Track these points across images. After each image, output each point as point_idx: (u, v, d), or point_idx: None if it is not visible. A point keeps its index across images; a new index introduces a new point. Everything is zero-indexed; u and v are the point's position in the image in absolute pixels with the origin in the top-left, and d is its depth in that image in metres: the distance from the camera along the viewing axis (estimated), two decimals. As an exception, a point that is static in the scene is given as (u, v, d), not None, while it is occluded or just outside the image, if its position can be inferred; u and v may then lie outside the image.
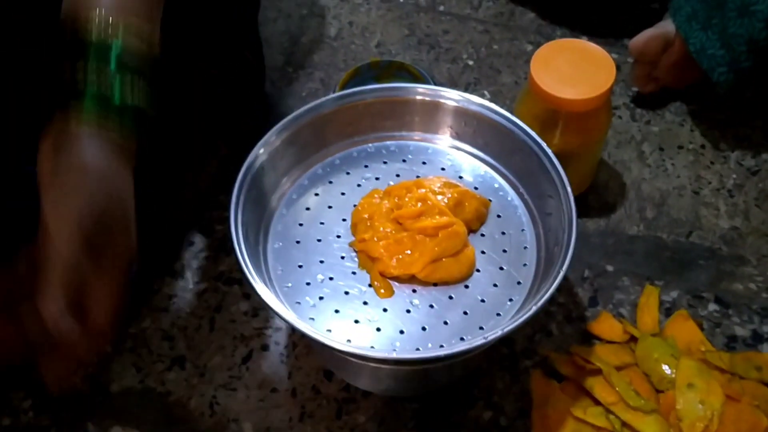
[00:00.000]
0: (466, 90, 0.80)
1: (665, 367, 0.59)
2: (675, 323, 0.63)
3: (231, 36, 0.68)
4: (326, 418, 0.60)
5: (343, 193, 0.59)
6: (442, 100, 0.61)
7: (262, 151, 0.57)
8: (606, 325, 0.63)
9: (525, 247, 0.56)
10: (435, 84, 0.73)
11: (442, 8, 0.88)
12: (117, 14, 0.46)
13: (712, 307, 0.65)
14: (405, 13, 0.87)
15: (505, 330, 0.47)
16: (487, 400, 0.60)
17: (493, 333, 0.48)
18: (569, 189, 0.54)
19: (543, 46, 0.64)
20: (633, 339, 0.62)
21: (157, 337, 0.64)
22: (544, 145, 0.57)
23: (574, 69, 0.63)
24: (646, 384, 0.59)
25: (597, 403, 0.57)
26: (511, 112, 0.60)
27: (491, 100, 0.78)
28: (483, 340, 0.47)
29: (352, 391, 0.61)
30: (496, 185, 0.60)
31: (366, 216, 0.56)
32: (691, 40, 0.70)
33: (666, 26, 0.74)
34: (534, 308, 0.48)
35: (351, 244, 0.56)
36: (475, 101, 0.60)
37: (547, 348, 0.63)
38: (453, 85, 0.81)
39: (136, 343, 0.64)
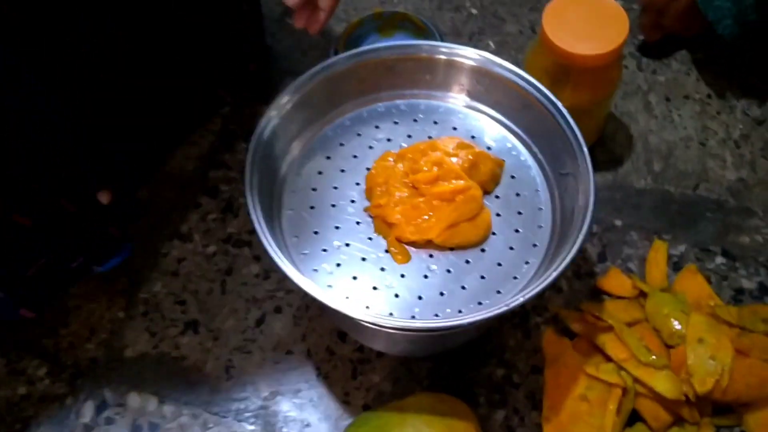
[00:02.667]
0: (470, 40, 0.79)
1: (675, 323, 0.59)
2: (684, 278, 0.63)
3: None
4: (342, 378, 0.60)
5: (355, 156, 0.58)
6: (454, 58, 0.59)
7: (274, 113, 0.55)
8: (615, 281, 0.64)
9: (540, 209, 0.56)
10: (440, 35, 0.71)
11: (443, -47, 0.85)
12: None
13: (720, 260, 0.66)
14: (405, -41, 0.85)
15: (526, 297, 0.48)
16: (499, 358, 0.61)
17: (514, 300, 0.48)
18: (585, 150, 0.54)
19: (552, 0, 0.63)
20: (642, 294, 0.63)
21: (168, 302, 0.64)
22: (558, 103, 0.56)
23: (586, 23, 0.61)
24: (656, 339, 0.60)
25: (609, 359, 0.58)
26: (517, 64, 0.58)
27: (496, 51, 0.78)
28: (505, 307, 0.47)
29: (366, 352, 0.61)
30: (509, 144, 0.59)
31: (381, 180, 0.55)
32: (699, -11, 0.69)
33: (675, -28, 0.72)
34: (554, 274, 0.48)
35: (366, 210, 0.55)
36: (488, 58, 0.59)
37: (557, 305, 0.63)
38: (457, 35, 0.79)
39: (147, 307, 0.64)
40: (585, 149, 0.54)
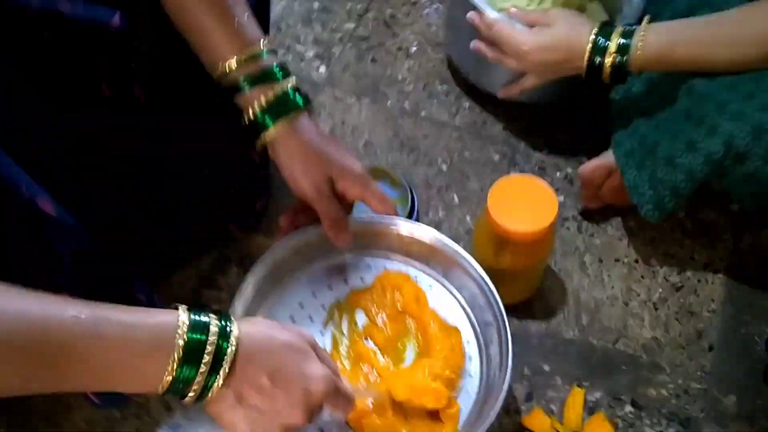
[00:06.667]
0: (438, 193, 0.92)
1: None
2: (593, 424, 0.75)
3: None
4: None
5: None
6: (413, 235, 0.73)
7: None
8: (537, 421, 0.75)
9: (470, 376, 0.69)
10: (410, 189, 0.85)
11: (424, 113, 0.99)
12: None
13: (628, 408, 0.77)
14: (391, 116, 0.99)
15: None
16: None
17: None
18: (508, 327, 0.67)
19: (497, 181, 0.75)
20: (558, 433, 0.74)
21: (157, 406, 0.75)
22: (488, 281, 0.70)
23: (523, 203, 0.74)
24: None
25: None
26: (474, 221, 0.71)
27: (458, 205, 0.91)
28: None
29: None
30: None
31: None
32: (626, 175, 0.81)
33: (610, 156, 0.85)
34: None
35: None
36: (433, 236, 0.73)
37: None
38: (427, 187, 0.92)
39: (139, 409, 0.75)
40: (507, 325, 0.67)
